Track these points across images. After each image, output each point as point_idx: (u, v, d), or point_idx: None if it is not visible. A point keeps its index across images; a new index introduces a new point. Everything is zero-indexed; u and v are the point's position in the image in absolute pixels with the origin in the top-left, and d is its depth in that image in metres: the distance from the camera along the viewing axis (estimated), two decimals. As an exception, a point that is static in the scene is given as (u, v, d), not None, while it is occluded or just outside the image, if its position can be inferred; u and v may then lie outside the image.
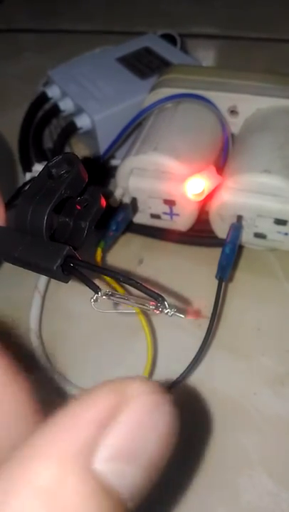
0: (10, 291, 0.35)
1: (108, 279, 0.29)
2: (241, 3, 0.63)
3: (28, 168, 0.40)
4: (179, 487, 0.26)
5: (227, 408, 0.29)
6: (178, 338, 0.32)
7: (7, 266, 0.35)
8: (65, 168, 0.22)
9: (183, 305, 0.33)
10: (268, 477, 0.26)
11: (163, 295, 0.19)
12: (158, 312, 0.19)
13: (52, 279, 0.33)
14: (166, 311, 0.19)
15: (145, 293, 0.19)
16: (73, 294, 0.34)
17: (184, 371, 0.27)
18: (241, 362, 0.30)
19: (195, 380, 0.29)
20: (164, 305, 0.19)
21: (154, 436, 0.12)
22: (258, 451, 0.27)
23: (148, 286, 0.19)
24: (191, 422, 0.28)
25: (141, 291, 0.19)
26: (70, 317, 0.33)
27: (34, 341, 0.31)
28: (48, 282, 0.33)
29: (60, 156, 0.22)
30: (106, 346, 0.32)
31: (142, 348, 0.28)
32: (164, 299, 0.19)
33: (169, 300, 0.19)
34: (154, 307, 0.19)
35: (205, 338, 0.28)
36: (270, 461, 0.27)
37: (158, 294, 0.19)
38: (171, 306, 0.19)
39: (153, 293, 0.19)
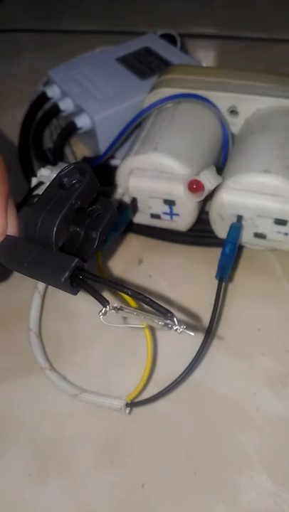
0: (10, 291, 0.35)
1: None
2: (241, 3, 0.63)
3: (27, 168, 0.40)
4: (179, 487, 0.26)
5: (227, 408, 0.29)
6: (178, 337, 0.32)
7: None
8: (77, 178, 0.21)
9: (183, 305, 0.33)
10: (267, 477, 0.26)
11: (169, 308, 0.19)
12: (167, 329, 0.19)
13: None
14: (175, 328, 0.19)
15: (155, 308, 0.19)
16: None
17: (184, 371, 0.27)
18: (241, 362, 0.30)
19: (195, 380, 0.29)
20: (174, 321, 0.19)
21: None
22: (258, 451, 0.27)
23: (157, 302, 0.19)
24: (191, 422, 0.28)
25: (150, 306, 0.19)
26: (70, 317, 0.33)
27: (34, 341, 0.31)
28: (48, 282, 0.33)
29: (72, 166, 0.22)
30: (106, 346, 0.32)
31: (142, 348, 0.28)
32: (173, 315, 0.19)
33: (169, 300, 0.19)
34: (162, 323, 0.19)
35: (205, 338, 0.28)
36: (270, 461, 0.27)
37: (167, 310, 0.19)
38: (180, 323, 0.19)
39: (162, 309, 0.19)
